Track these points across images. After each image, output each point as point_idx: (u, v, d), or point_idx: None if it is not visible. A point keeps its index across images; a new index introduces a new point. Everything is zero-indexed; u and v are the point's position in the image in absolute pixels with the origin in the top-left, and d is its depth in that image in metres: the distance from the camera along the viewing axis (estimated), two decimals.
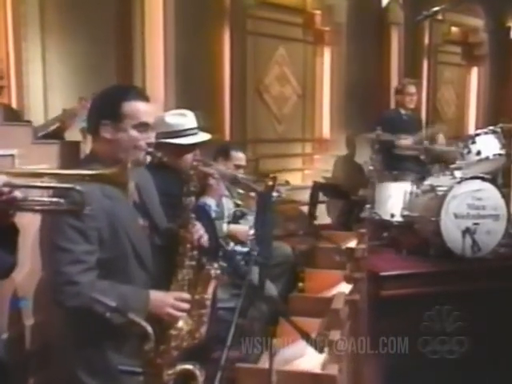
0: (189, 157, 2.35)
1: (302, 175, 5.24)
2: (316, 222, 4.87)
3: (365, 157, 4.73)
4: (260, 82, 4.85)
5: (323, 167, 5.25)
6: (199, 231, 1.84)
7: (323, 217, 5.04)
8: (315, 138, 5.39)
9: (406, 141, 4.16)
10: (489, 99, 7.03)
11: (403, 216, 3.90)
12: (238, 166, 3.09)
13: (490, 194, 3.68)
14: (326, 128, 5.39)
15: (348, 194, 4.44)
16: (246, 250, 2.94)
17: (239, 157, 3.09)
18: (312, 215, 3.55)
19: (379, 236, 3.98)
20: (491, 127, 3.91)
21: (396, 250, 3.87)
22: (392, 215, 3.95)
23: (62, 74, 3.40)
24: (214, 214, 2.30)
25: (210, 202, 2.31)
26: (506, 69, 6.98)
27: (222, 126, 4.46)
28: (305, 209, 4.95)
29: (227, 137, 4.46)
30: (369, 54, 5.53)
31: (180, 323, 1.59)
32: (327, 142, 5.38)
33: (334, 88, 5.33)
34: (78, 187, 1.08)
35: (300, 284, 2.68)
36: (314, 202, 3.70)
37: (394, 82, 5.61)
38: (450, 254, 3.62)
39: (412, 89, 4.46)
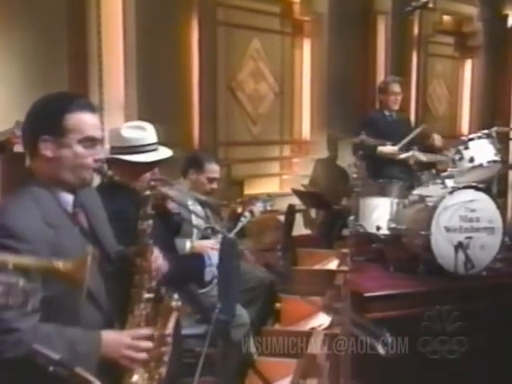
0: (147, 176, 2.31)
1: (279, 181, 5.23)
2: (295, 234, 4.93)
3: (348, 159, 4.76)
4: (233, 79, 4.80)
5: (303, 172, 5.26)
6: (158, 259, 1.80)
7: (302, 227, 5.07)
8: (294, 139, 5.38)
9: (389, 148, 4.18)
10: (484, 94, 7.12)
11: (390, 229, 3.94)
12: (211, 179, 3.08)
13: (485, 205, 3.74)
14: (305, 129, 5.37)
15: (330, 203, 4.44)
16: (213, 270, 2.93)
17: (213, 169, 3.09)
18: (288, 237, 3.53)
19: (364, 251, 4.02)
20: (485, 131, 3.96)
21: (382, 265, 3.91)
22: (378, 228, 3.99)
23: (6, 70, 3.31)
24: (210, 274, 2.25)
25: (216, 258, 2.26)
26: (502, 61, 7.06)
27: (191, 128, 4.41)
28: (283, 218, 4.98)
29: (196, 140, 4.41)
30: (353, 47, 5.54)
31: (135, 377, 1.55)
32: (307, 144, 5.36)
33: (314, 84, 5.31)
34: (21, 282, 0.99)
35: (277, 305, 2.67)
36: (290, 221, 3.67)
37: (381, 77, 5.63)
38: (441, 270, 3.66)
39: (396, 88, 4.49)
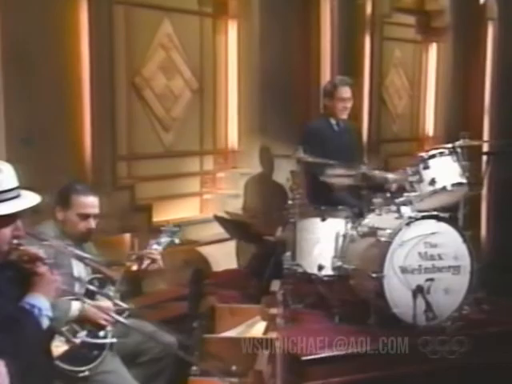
0: (6, 232, 2.12)
1: (200, 203, 5.18)
2: (221, 269, 4.85)
3: (288, 173, 4.70)
4: (137, 74, 4.65)
5: (230, 190, 5.21)
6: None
7: (229, 260, 4.98)
8: (218, 149, 5.33)
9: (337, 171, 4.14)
10: (453, 85, 7.23)
11: (335, 268, 3.94)
12: (83, 216, 2.95)
13: (449, 239, 3.77)
14: (232, 136, 5.33)
15: (260, 235, 4.42)
16: (102, 341, 2.79)
17: (84, 202, 2.97)
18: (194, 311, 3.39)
19: (302, 296, 3.99)
20: (449, 145, 3.98)
21: (325, 314, 3.91)
22: (320, 267, 3.97)
23: None
24: (47, 321, 2.10)
25: (41, 302, 2.10)
26: (474, 45, 7.19)
27: (80, 139, 4.21)
28: (205, 250, 4.88)
29: (88, 155, 4.22)
30: (291, 30, 5.49)
31: None
32: (235, 155, 5.33)
33: (243, 79, 5.25)
34: None
35: (194, 369, 2.58)
36: (196, 293, 3.54)
37: (326, 69, 5.66)
38: (396, 321, 3.66)
39: (346, 92, 4.47)
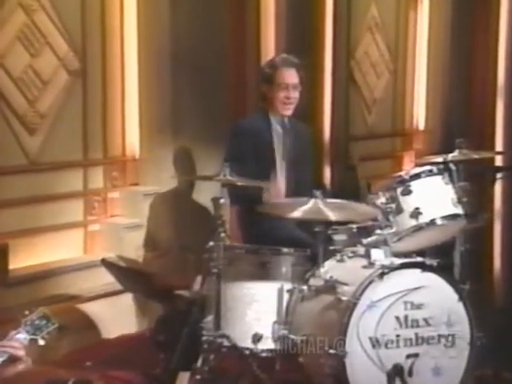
0: None
1: (83, 237, 5.18)
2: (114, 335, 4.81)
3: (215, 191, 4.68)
4: None
5: (128, 218, 5.25)
6: None
7: (126, 321, 5.01)
8: (110, 158, 5.37)
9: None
10: (452, 57, 7.37)
11: (277, 339, 3.94)
12: None
13: (439, 296, 3.78)
14: (131, 138, 5.40)
15: (169, 289, 4.40)
16: None
17: None
18: None
19: (231, 381, 4.00)
20: (439, 159, 4.05)
21: None
22: (256, 338, 3.96)
23: None
24: None
25: None
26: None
27: None
28: (91, 308, 4.82)
29: None
30: None
31: None
32: (135, 166, 5.40)
33: (144, 56, 5.27)
34: None
35: None
36: None
37: (269, 40, 5.71)
38: None
39: (290, 77, 4.48)
